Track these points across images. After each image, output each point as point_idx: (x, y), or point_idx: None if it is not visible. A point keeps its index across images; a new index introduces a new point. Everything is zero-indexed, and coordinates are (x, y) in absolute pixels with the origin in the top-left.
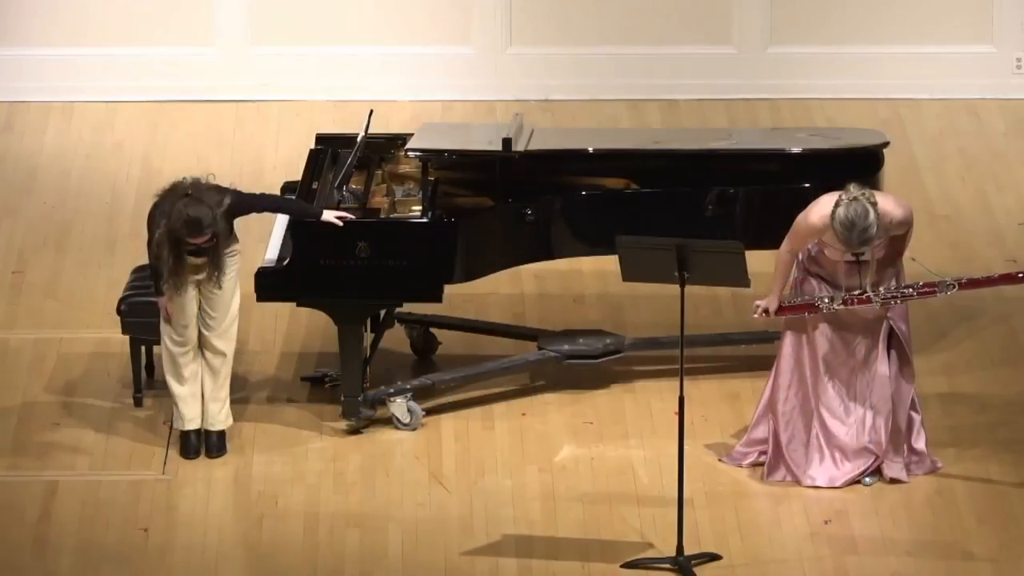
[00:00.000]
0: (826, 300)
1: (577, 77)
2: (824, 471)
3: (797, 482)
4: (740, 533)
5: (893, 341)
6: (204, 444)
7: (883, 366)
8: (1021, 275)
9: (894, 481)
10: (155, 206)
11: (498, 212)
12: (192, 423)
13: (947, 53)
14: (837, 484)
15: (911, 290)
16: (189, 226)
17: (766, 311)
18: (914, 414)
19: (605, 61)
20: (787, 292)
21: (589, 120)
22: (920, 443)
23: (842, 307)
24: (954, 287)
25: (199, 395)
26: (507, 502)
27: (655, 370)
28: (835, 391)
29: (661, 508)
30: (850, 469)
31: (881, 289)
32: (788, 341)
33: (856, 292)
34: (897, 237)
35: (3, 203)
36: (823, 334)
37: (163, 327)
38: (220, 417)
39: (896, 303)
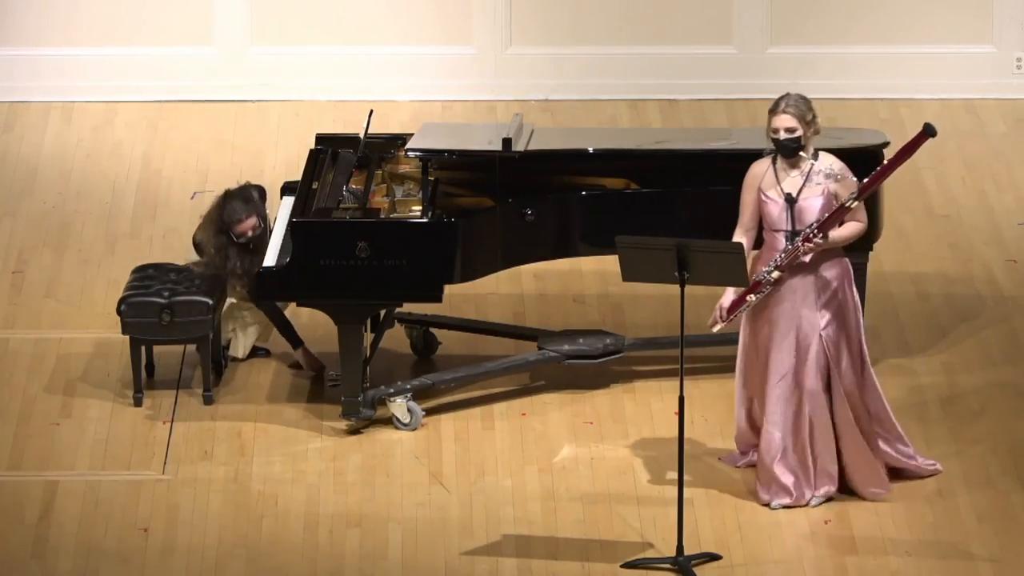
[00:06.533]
0: (763, 271)
1: (577, 77)
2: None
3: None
4: (740, 533)
5: (832, 368)
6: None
7: (820, 395)
8: (911, 145)
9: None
10: (205, 233)
11: (498, 212)
12: None
13: (947, 53)
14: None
15: (827, 215)
16: (236, 210)
17: (721, 313)
18: (882, 431)
19: (605, 61)
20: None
21: (589, 120)
22: (907, 452)
23: (779, 272)
24: (855, 195)
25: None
26: (507, 502)
27: (655, 370)
28: (781, 407)
29: (661, 508)
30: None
31: (801, 234)
32: (739, 360)
33: (786, 250)
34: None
35: (3, 203)
36: (768, 355)
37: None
38: None
39: (817, 237)
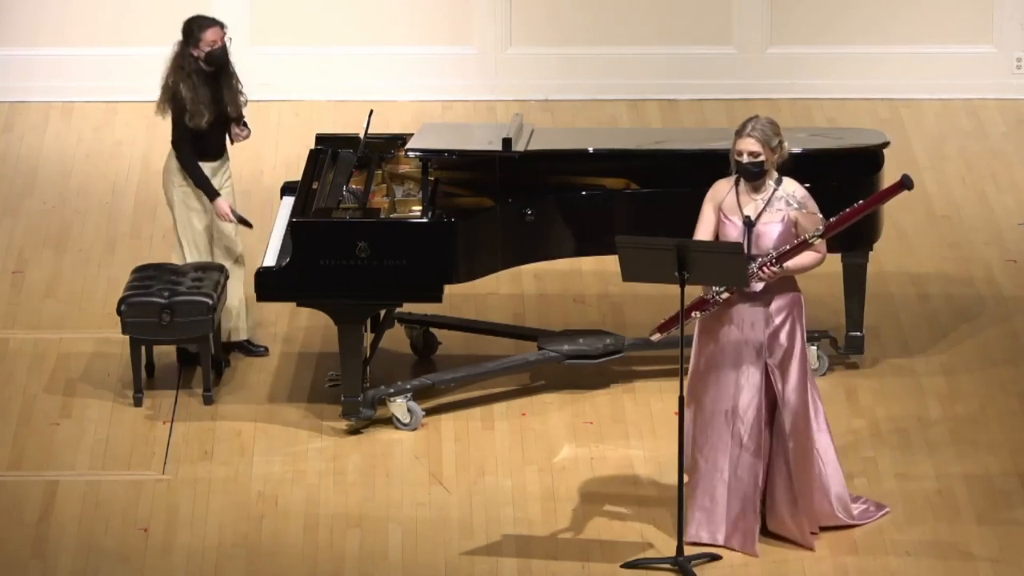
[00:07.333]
0: (713, 290)
1: (577, 77)
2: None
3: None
4: None
5: (777, 399)
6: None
7: (758, 426)
8: (886, 193)
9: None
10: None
11: (498, 212)
12: None
13: (947, 53)
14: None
15: (786, 247)
16: (201, 21)
17: (663, 325)
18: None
19: (605, 61)
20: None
21: (589, 120)
22: (847, 510)
23: (728, 294)
24: (820, 232)
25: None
26: (507, 502)
27: (655, 370)
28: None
29: (661, 508)
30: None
31: (758, 260)
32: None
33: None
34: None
35: (3, 203)
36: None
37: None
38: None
39: (774, 266)
